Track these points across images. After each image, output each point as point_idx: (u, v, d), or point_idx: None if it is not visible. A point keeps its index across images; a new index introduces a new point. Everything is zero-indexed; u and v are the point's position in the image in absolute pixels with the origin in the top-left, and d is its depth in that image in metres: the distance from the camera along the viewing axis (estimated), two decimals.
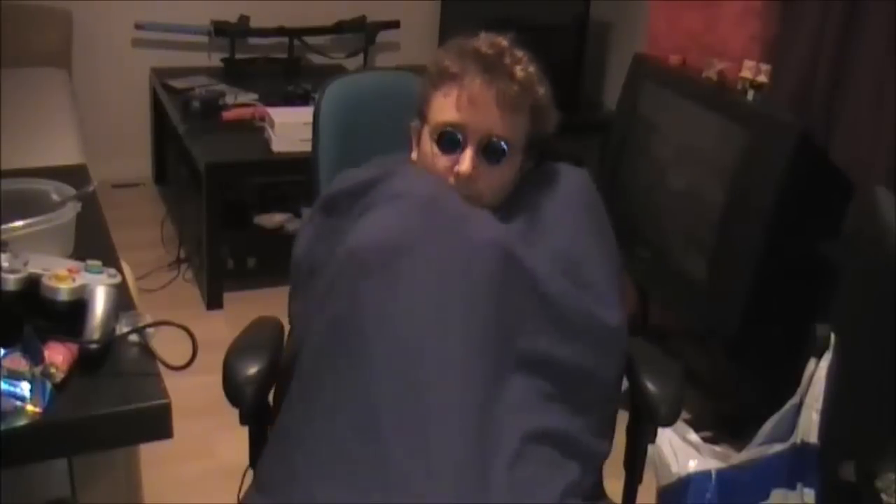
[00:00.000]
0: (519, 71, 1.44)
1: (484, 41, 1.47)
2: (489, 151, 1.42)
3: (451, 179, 1.43)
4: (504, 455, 1.23)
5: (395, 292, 1.32)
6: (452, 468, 1.18)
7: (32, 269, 1.22)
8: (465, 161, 1.41)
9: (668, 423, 1.44)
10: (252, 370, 1.35)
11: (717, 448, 2.10)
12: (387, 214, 1.39)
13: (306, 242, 1.50)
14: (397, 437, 1.21)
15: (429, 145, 1.46)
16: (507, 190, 1.48)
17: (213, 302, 3.10)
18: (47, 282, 1.21)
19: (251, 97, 3.51)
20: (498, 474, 1.21)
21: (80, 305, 1.21)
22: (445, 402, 1.25)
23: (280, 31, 3.98)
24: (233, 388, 1.34)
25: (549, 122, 1.50)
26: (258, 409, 1.39)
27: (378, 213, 1.40)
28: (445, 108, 1.44)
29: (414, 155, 1.53)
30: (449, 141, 1.43)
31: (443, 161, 1.44)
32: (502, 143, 1.43)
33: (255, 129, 3.24)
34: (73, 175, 1.68)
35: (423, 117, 1.49)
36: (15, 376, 1.09)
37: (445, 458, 1.18)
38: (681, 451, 2.06)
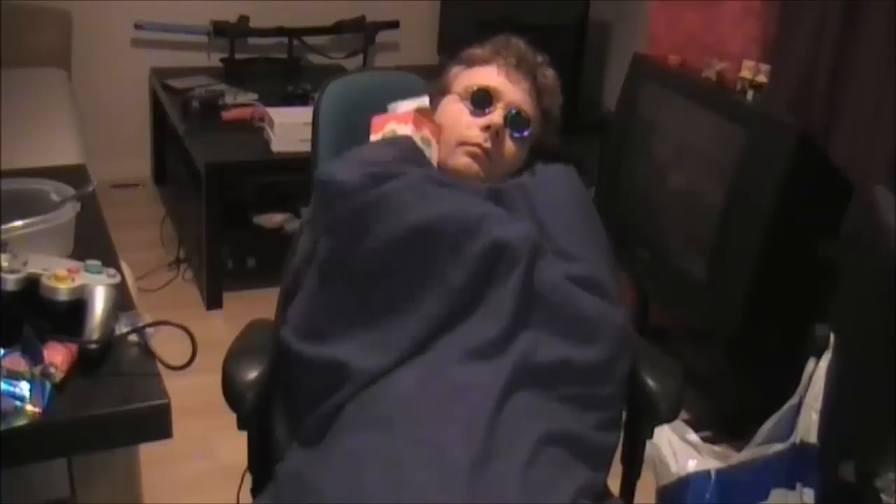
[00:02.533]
0: (549, 75, 1.59)
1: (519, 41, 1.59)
2: (515, 120, 1.51)
3: (475, 137, 1.48)
4: (518, 458, 1.23)
5: (412, 303, 1.34)
6: (465, 472, 1.17)
7: (32, 268, 1.22)
8: (498, 115, 1.50)
9: (669, 419, 1.45)
10: (252, 375, 1.35)
11: (717, 448, 2.09)
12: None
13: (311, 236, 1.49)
14: (411, 447, 1.21)
15: (454, 108, 1.52)
16: (512, 174, 1.54)
17: (213, 302, 3.10)
18: (47, 282, 1.21)
19: (251, 97, 3.51)
20: (511, 476, 1.21)
21: (79, 305, 1.21)
22: (461, 409, 1.25)
23: (279, 31, 3.98)
24: (233, 393, 1.34)
25: (552, 139, 1.60)
26: (258, 412, 1.39)
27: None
28: (481, 75, 1.54)
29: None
30: (483, 98, 1.51)
31: (470, 120, 1.50)
32: (528, 117, 1.52)
33: (254, 129, 3.24)
34: (73, 175, 1.68)
35: (444, 91, 1.58)
36: (14, 376, 1.09)
37: (458, 463, 1.18)
38: (680, 450, 2.06)
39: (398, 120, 1.51)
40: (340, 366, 1.32)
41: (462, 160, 1.50)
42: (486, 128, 1.48)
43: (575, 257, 1.42)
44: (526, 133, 1.53)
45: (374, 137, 1.51)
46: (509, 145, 1.52)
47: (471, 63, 1.58)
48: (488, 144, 1.48)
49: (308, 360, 1.36)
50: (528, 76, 1.55)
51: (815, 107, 2.36)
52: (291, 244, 1.55)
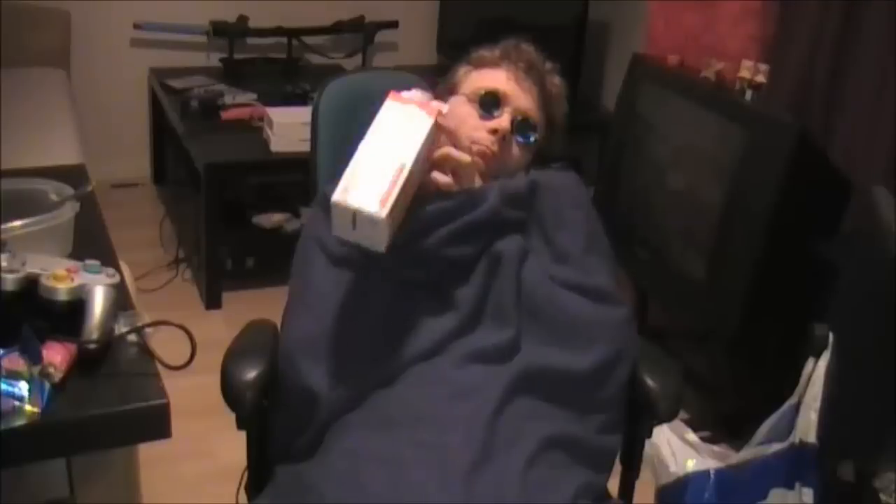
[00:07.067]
0: (557, 83, 1.59)
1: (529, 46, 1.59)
2: (522, 127, 1.51)
3: (483, 139, 1.47)
4: (518, 459, 1.23)
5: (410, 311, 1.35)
6: (465, 473, 1.17)
7: (31, 268, 1.22)
8: (505, 120, 1.49)
9: (668, 418, 1.45)
10: (251, 375, 1.35)
11: (716, 448, 2.10)
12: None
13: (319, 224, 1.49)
14: (411, 448, 1.22)
15: (462, 110, 1.50)
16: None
17: (212, 302, 3.10)
18: (46, 282, 1.21)
19: (250, 97, 3.51)
20: (511, 476, 1.21)
21: (78, 305, 1.21)
22: (462, 411, 1.26)
23: (278, 31, 3.98)
24: (232, 393, 1.34)
25: (556, 145, 1.60)
26: (257, 412, 1.39)
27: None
28: (490, 78, 1.53)
29: None
30: (491, 102, 1.50)
31: (478, 122, 1.49)
32: (534, 124, 1.52)
33: (253, 129, 3.24)
34: (72, 175, 1.68)
35: (451, 91, 1.56)
36: (13, 376, 1.09)
37: (458, 464, 1.18)
38: (679, 450, 2.06)
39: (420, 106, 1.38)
40: (314, 396, 1.32)
41: None
42: (494, 131, 1.48)
43: (574, 263, 1.43)
44: (532, 139, 1.52)
45: None
46: (515, 150, 1.52)
47: (480, 65, 1.57)
48: (496, 148, 1.48)
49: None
50: (537, 83, 1.55)
51: (814, 107, 2.36)
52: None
